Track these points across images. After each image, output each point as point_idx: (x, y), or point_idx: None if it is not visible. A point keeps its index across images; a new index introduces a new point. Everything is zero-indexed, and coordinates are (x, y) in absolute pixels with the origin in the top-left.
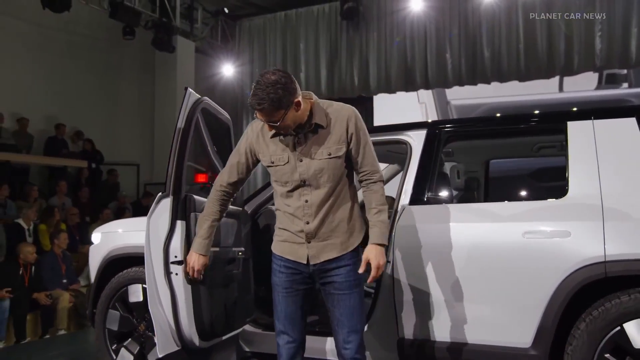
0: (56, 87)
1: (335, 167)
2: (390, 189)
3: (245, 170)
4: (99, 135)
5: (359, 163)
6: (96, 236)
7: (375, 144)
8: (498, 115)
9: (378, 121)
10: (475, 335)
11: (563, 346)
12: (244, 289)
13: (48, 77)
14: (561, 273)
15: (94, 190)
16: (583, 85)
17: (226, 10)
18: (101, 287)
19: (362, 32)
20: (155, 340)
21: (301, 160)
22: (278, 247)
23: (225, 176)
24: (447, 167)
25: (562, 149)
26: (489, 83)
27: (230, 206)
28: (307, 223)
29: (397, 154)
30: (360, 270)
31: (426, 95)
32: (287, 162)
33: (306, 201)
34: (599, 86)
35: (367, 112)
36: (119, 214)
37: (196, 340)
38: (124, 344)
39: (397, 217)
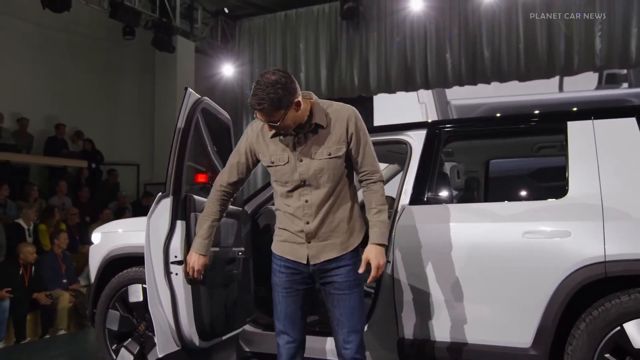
0: (56, 87)
1: (335, 167)
2: (390, 189)
3: (245, 170)
4: (99, 135)
5: (359, 163)
6: (96, 236)
7: (375, 144)
8: (498, 115)
9: (378, 121)
10: (475, 335)
11: (563, 346)
12: (244, 289)
13: (48, 77)
14: (561, 273)
15: (94, 190)
16: (583, 85)
17: (226, 10)
18: (101, 287)
19: (362, 32)
20: (155, 340)
21: (301, 160)
22: (278, 247)
23: (225, 176)
24: (448, 167)
25: (562, 149)
26: (489, 83)
27: (231, 206)
28: (307, 223)
29: (397, 154)
30: (361, 270)
31: (426, 95)
32: (287, 162)
33: (306, 201)
34: (599, 86)
35: (367, 112)
36: (119, 214)
37: (196, 340)
38: (124, 344)
39: (397, 217)
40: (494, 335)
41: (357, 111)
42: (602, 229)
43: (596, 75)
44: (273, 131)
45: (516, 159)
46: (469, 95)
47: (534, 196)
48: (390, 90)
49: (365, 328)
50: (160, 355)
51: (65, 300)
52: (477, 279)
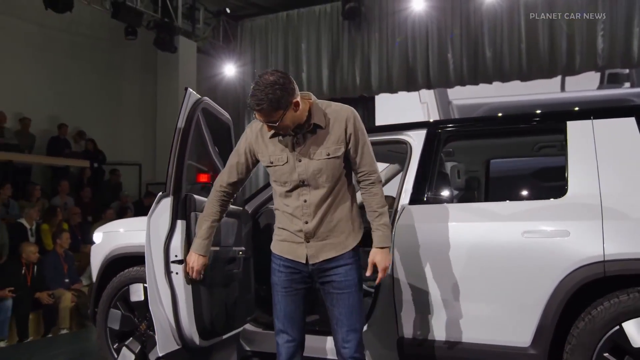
0: (58, 87)
1: (334, 167)
2: (390, 189)
3: (245, 171)
4: (101, 135)
5: (357, 163)
6: (98, 236)
7: (375, 143)
8: (498, 115)
9: (380, 121)
10: (475, 334)
11: (562, 345)
12: (245, 288)
13: (50, 77)
14: (560, 272)
15: (96, 190)
16: (585, 85)
17: (228, 11)
18: (103, 287)
19: (364, 32)
20: (156, 339)
21: (300, 161)
22: (277, 247)
23: (225, 176)
24: (448, 166)
25: (562, 148)
26: (490, 83)
27: (231, 206)
28: (306, 223)
29: (397, 154)
30: (368, 273)
31: (428, 95)
32: (286, 162)
33: (305, 201)
34: (601, 86)
35: (368, 112)
36: (121, 214)
37: (196, 339)
38: (126, 343)
39: (397, 217)
40: (494, 335)
41: (355, 112)
42: (601, 229)
43: (598, 75)
44: (272, 131)
45: (516, 158)
46: (470, 95)
47: (533, 196)
48: (392, 90)
49: (365, 327)
50: (160, 354)
51: (68, 300)
52: (476, 279)
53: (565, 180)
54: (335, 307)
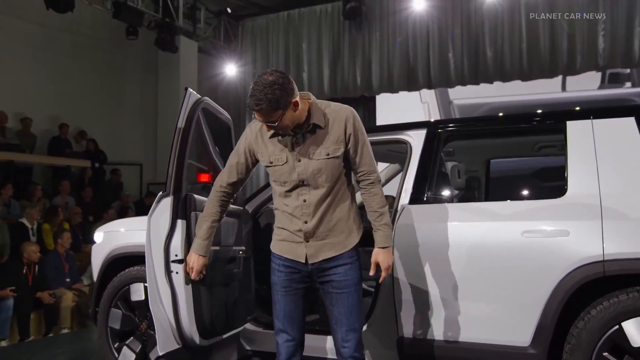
0: (59, 87)
1: (334, 167)
2: (391, 189)
3: (245, 171)
4: (102, 135)
5: (356, 163)
6: (98, 235)
7: (375, 143)
8: (497, 114)
9: (380, 121)
10: (475, 333)
11: (562, 345)
12: (245, 288)
13: (51, 77)
14: (560, 272)
15: (97, 189)
16: (586, 85)
17: (229, 10)
18: (103, 286)
19: (365, 31)
20: (156, 339)
21: (299, 161)
22: (277, 246)
23: (225, 177)
24: (448, 166)
25: (562, 148)
26: (491, 82)
27: (231, 205)
28: (306, 222)
29: (397, 154)
30: (371, 273)
31: (429, 94)
32: (286, 162)
33: (304, 201)
34: (602, 85)
35: (369, 111)
36: (122, 214)
37: (197, 338)
38: (126, 342)
39: (397, 217)
40: (493, 334)
41: (355, 111)
42: (601, 228)
43: (599, 74)
44: (271, 131)
45: (516, 158)
46: (471, 94)
47: (533, 195)
48: (393, 89)
49: (365, 327)
50: (160, 353)
51: (69, 299)
52: (476, 278)
53: (565, 180)
54: (334, 306)
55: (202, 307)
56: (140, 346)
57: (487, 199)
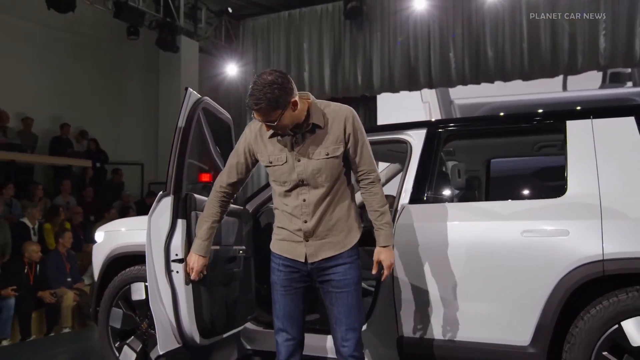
0: (61, 87)
1: (333, 166)
2: (391, 188)
3: (245, 171)
4: (103, 134)
5: (356, 163)
6: (99, 235)
7: (375, 143)
8: (497, 114)
9: (381, 121)
10: (475, 333)
11: (561, 344)
12: (245, 287)
13: (53, 77)
14: (560, 271)
15: (98, 189)
16: (587, 85)
17: (230, 10)
18: (104, 285)
19: (366, 31)
20: (157, 338)
21: (299, 160)
22: (276, 246)
23: (225, 177)
24: (448, 166)
25: (562, 148)
26: (492, 82)
27: (232, 205)
28: (305, 222)
29: (397, 153)
30: (373, 272)
31: (430, 94)
32: (285, 162)
33: (304, 200)
34: (603, 85)
35: (370, 111)
36: (123, 213)
37: (197, 337)
38: (127, 341)
39: (397, 216)
40: (493, 333)
41: (354, 111)
42: (601, 228)
43: (600, 74)
44: (271, 131)
45: (516, 158)
46: (472, 94)
47: (533, 195)
48: (394, 89)
49: (365, 326)
50: (161, 353)
51: (70, 299)
52: (476, 278)
53: (564, 180)
54: (334, 305)
55: (202, 306)
56: (140, 345)
57: (487, 199)
